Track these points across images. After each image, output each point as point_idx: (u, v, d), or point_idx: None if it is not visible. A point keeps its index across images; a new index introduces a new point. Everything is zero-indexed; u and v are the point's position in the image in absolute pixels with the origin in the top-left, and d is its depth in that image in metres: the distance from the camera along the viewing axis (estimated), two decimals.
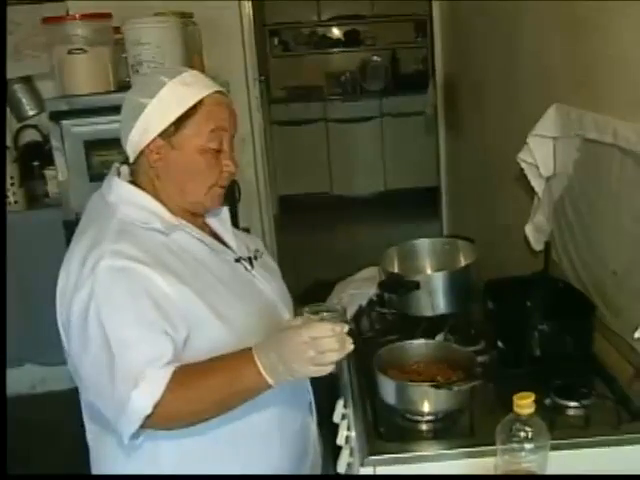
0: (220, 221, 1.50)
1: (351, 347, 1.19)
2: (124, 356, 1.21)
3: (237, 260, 1.44)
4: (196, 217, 1.43)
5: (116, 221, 1.31)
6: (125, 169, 1.42)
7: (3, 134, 3.46)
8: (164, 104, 1.33)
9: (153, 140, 1.34)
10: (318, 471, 1.56)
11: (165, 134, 1.33)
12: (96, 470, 1.45)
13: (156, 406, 1.19)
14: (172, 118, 1.33)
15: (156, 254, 1.29)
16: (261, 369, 1.19)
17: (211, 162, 1.36)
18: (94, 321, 1.23)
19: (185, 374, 1.22)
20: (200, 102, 1.34)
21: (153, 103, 1.33)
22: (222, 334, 1.30)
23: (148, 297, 1.24)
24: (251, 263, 1.46)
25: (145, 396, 1.18)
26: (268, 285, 1.47)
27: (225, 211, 1.51)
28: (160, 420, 1.21)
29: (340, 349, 1.18)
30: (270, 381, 1.20)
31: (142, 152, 1.36)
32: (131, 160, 1.39)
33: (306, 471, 1.50)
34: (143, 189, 1.38)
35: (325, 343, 1.17)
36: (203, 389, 1.22)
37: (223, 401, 1.24)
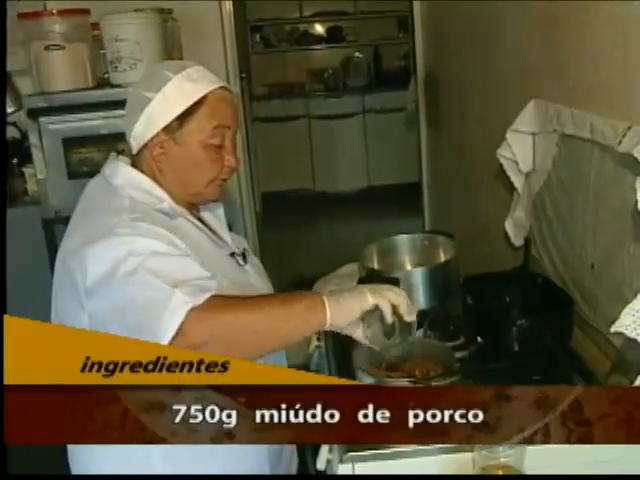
0: (215, 216, 1.52)
1: (414, 317, 1.27)
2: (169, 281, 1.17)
3: (231, 255, 1.45)
4: (193, 209, 1.45)
5: (127, 200, 1.32)
6: (124, 159, 1.42)
7: (3, 134, 3.42)
8: (168, 99, 1.34)
9: (156, 134, 1.35)
10: (294, 469, 1.56)
11: (168, 129, 1.35)
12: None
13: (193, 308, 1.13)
14: (175, 114, 1.34)
15: (168, 231, 1.29)
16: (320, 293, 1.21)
17: (213, 156, 1.37)
18: (125, 263, 1.18)
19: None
20: (204, 98, 1.35)
21: (158, 98, 1.34)
22: None
23: (173, 244, 1.25)
24: (244, 259, 1.48)
25: (187, 296, 1.14)
26: (259, 281, 1.49)
27: (220, 208, 1.53)
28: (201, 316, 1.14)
29: (405, 299, 1.24)
30: (326, 302, 1.19)
31: (145, 145, 1.37)
32: (134, 152, 1.40)
33: (282, 468, 1.49)
34: None
35: (396, 289, 1.26)
36: (252, 300, 1.20)
37: (271, 318, 1.18)
